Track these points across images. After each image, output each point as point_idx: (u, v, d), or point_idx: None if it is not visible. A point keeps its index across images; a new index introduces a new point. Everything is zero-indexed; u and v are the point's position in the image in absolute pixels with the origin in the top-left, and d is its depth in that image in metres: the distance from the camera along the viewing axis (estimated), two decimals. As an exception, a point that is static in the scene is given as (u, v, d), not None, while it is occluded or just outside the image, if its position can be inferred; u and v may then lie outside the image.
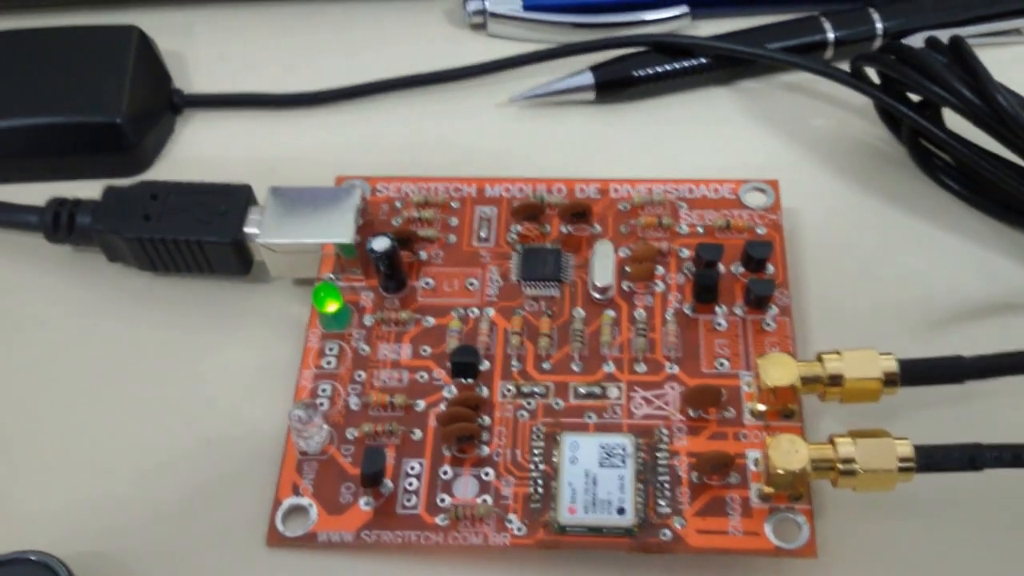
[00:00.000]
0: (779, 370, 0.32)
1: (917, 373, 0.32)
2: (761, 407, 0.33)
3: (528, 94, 0.42)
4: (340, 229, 0.35)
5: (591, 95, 0.42)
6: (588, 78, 0.42)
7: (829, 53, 0.43)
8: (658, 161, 0.40)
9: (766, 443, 0.31)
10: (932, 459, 0.30)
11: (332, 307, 0.35)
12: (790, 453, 0.30)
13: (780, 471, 0.30)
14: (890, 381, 0.32)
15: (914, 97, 0.39)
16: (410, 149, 0.41)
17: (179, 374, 0.36)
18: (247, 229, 0.36)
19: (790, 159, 0.40)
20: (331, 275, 0.36)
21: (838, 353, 0.32)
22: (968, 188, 0.39)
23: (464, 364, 0.34)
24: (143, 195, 0.36)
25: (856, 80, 0.40)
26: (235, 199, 0.36)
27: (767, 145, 0.41)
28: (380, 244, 0.35)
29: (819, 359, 0.32)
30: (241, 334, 0.36)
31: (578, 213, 0.36)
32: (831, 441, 0.30)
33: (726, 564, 0.31)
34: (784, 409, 0.33)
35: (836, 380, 0.32)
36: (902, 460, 0.30)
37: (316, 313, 0.35)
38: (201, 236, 0.36)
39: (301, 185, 0.37)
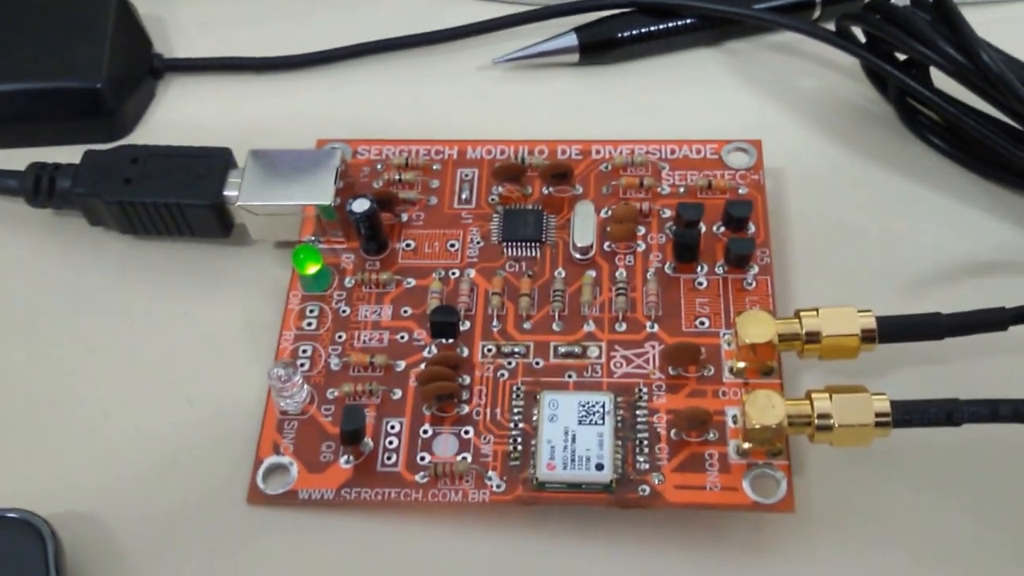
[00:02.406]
0: (757, 327, 0.32)
1: (895, 330, 0.32)
2: (740, 364, 0.33)
3: (511, 56, 0.42)
4: (320, 191, 0.35)
5: (575, 57, 0.42)
6: (572, 40, 0.41)
7: (816, 13, 0.42)
8: (643, 123, 0.40)
9: (744, 397, 0.31)
10: (909, 414, 0.30)
11: (312, 269, 0.35)
12: (767, 408, 0.30)
13: (757, 426, 0.30)
14: (868, 338, 0.32)
15: (900, 56, 0.38)
16: (391, 112, 0.41)
17: (160, 336, 0.36)
18: (227, 192, 0.36)
19: (776, 120, 0.40)
20: (312, 237, 0.36)
21: (816, 310, 0.32)
22: (955, 146, 0.39)
23: (444, 324, 0.34)
24: (123, 159, 0.37)
25: (842, 40, 0.40)
26: (215, 162, 0.36)
27: (753, 106, 0.41)
28: (360, 206, 0.35)
29: (797, 316, 0.32)
30: (222, 296, 0.36)
31: (559, 174, 0.36)
32: (808, 396, 0.30)
33: (704, 519, 0.31)
34: (763, 366, 0.33)
35: (814, 337, 0.32)
36: (879, 415, 0.30)
37: (297, 275, 0.35)
38: (181, 199, 0.36)
39: (281, 148, 0.37)
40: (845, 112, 0.40)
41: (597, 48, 0.42)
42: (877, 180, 0.39)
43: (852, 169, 0.39)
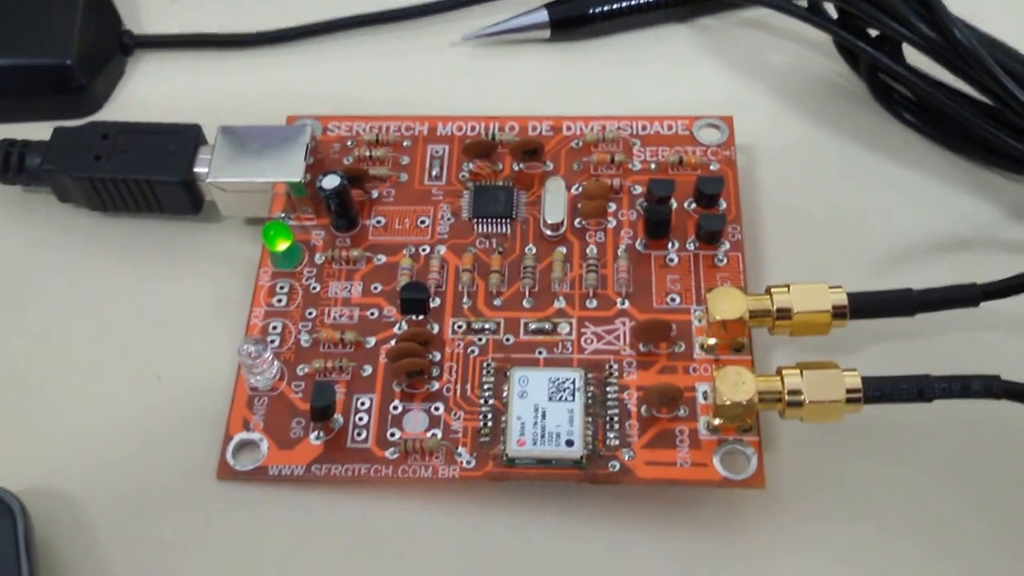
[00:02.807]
0: (728, 303, 0.32)
1: (866, 306, 0.32)
2: (711, 341, 0.33)
3: (482, 32, 0.42)
4: (290, 168, 0.35)
5: (546, 33, 0.42)
6: (543, 16, 0.41)
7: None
8: (614, 99, 0.40)
9: (715, 374, 0.31)
10: (880, 390, 0.30)
11: (283, 245, 0.34)
12: (737, 384, 0.30)
13: (727, 402, 0.30)
14: (839, 314, 0.32)
15: (872, 32, 0.38)
16: (362, 89, 0.41)
17: (130, 313, 0.36)
18: (196, 168, 0.36)
19: (748, 96, 0.40)
20: (282, 214, 0.36)
21: (787, 287, 0.32)
22: (927, 122, 0.39)
23: (413, 300, 0.33)
24: (93, 135, 0.36)
25: (814, 15, 0.39)
26: (185, 139, 0.36)
27: (725, 82, 0.41)
28: (330, 182, 0.34)
29: (768, 292, 0.32)
30: (192, 273, 0.36)
31: (530, 151, 0.36)
32: (779, 372, 0.31)
33: (674, 495, 0.31)
34: (734, 343, 0.33)
35: (785, 313, 0.32)
36: (850, 391, 0.30)
37: (267, 252, 0.35)
38: (150, 175, 0.35)
39: (251, 125, 0.37)
40: (817, 88, 0.40)
41: (568, 24, 0.42)
42: (849, 156, 0.39)
43: (824, 145, 0.39)
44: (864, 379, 0.30)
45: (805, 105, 0.40)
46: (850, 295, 0.32)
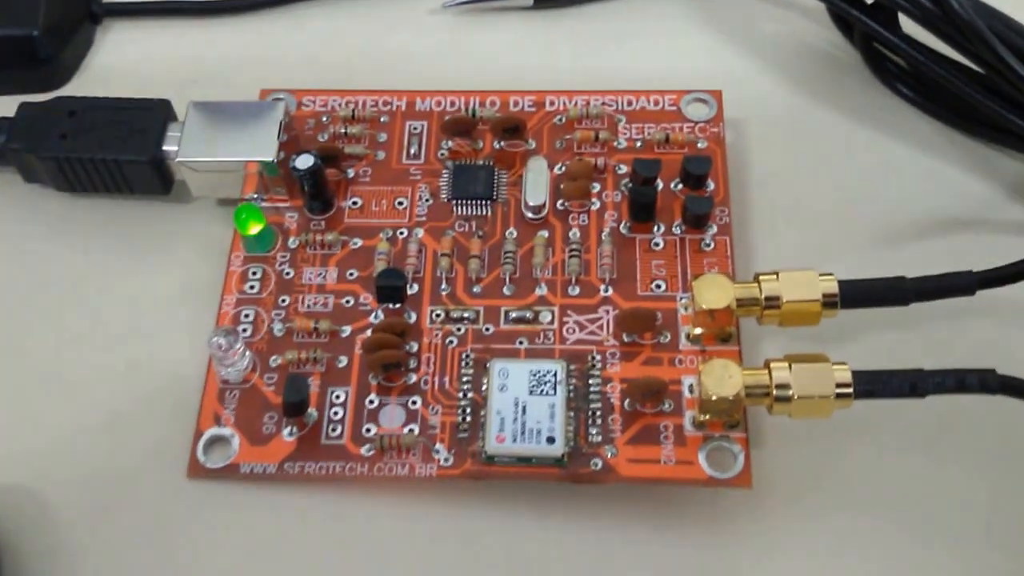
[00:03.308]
0: (714, 291, 0.31)
1: (858, 295, 0.31)
2: (697, 331, 0.32)
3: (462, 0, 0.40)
4: (262, 146, 0.34)
5: (529, 0, 0.40)
6: (525, -20, 0.40)
7: (781, -46, 0.41)
8: (599, 71, 0.39)
9: (700, 368, 0.30)
10: (871, 385, 0.29)
11: (255, 229, 0.33)
12: (723, 379, 0.29)
13: (713, 397, 0.29)
14: (830, 303, 0.30)
15: (867, 0, 0.37)
16: (338, 60, 0.39)
17: (98, 298, 0.34)
18: (166, 147, 0.34)
19: (737, 66, 0.39)
20: (254, 195, 0.35)
21: (776, 274, 0.31)
22: (923, 95, 0.37)
23: (389, 288, 0.32)
24: (59, 112, 0.35)
25: (807, -19, 0.38)
26: (154, 115, 0.35)
27: (713, 51, 0.39)
28: (304, 162, 0.33)
29: (756, 280, 0.31)
30: (162, 256, 0.35)
31: (511, 128, 0.35)
32: (766, 366, 0.30)
33: (658, 494, 0.31)
34: (721, 332, 0.32)
35: (773, 302, 0.31)
36: (840, 386, 0.29)
37: (239, 235, 0.34)
38: (118, 155, 0.34)
39: (224, 98, 0.35)
40: (809, 58, 0.39)
41: (551, -11, 0.40)
42: (842, 130, 0.37)
43: (816, 119, 0.38)
44: (855, 373, 0.29)
45: (796, 76, 0.39)
46: (841, 284, 0.31)
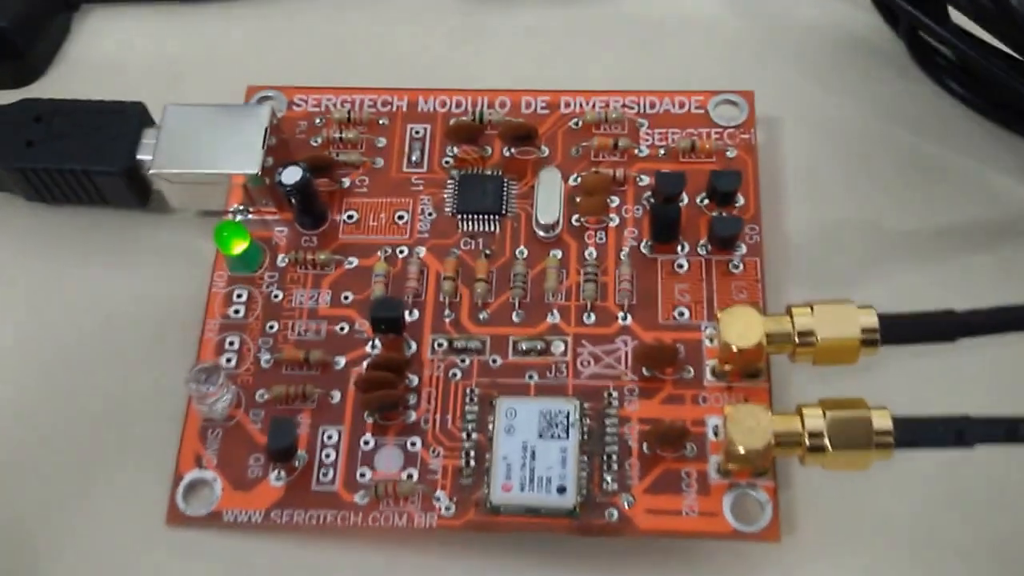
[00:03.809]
0: (743, 327, 0.28)
1: (901, 331, 0.28)
2: (725, 367, 0.29)
3: (472, -16, 0.37)
4: (246, 157, 0.31)
5: (543, -16, 0.37)
6: (540, -36, 0.37)
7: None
8: (618, 65, 0.36)
9: (725, 413, 0.27)
10: (914, 434, 0.26)
11: (239, 248, 0.30)
12: (752, 429, 0.27)
13: (741, 450, 0.27)
14: (869, 341, 0.28)
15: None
16: (334, 53, 0.36)
17: (69, 320, 0.32)
18: (140, 156, 0.31)
19: (770, 56, 0.36)
20: (239, 206, 0.32)
21: (810, 307, 0.28)
22: (976, 93, 0.34)
23: (385, 319, 0.30)
24: (25, 117, 0.32)
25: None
26: (127, 120, 0.32)
27: (744, 37, 0.36)
28: (291, 176, 0.30)
29: (788, 313, 0.28)
30: (140, 273, 0.32)
31: (522, 136, 0.32)
32: (798, 412, 0.27)
33: (679, 547, 0.28)
34: (749, 368, 0.29)
35: (808, 338, 0.28)
36: (879, 434, 0.26)
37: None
38: (89, 165, 0.31)
39: (209, 93, 0.33)
40: (848, 48, 0.36)
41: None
42: (883, 130, 0.34)
43: (855, 118, 0.34)
44: (896, 421, 0.26)
45: (834, 69, 0.35)
46: (883, 319, 0.28)
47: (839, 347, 0.28)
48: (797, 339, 0.28)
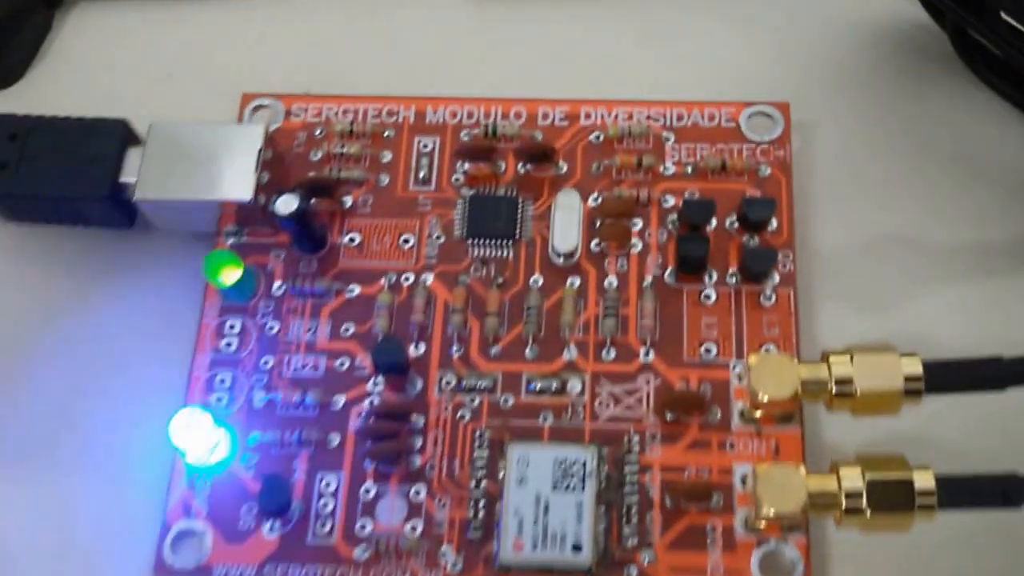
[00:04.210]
0: (776, 378, 0.26)
1: (946, 380, 0.26)
2: (756, 413, 0.27)
3: (485, -19, 0.34)
4: (238, 182, 0.29)
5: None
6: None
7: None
8: (642, 72, 0.33)
9: (755, 473, 0.25)
10: (958, 494, 0.24)
11: (231, 278, 0.28)
12: (784, 490, 0.25)
13: (771, 513, 0.24)
14: (913, 391, 0.25)
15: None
16: (336, 56, 0.34)
17: (48, 351, 0.30)
18: (124, 179, 0.29)
19: (805, 53, 0.33)
20: (232, 227, 0.30)
21: (849, 355, 0.25)
22: (1021, 90, 0.32)
23: (388, 364, 0.27)
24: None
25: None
26: (109, 139, 0.29)
27: (778, 35, 0.34)
28: (286, 206, 0.28)
29: (825, 360, 0.26)
30: (126, 297, 0.31)
31: (538, 155, 0.30)
32: (834, 470, 0.25)
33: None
34: (781, 414, 0.27)
35: (846, 388, 0.25)
36: (920, 494, 0.24)
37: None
38: (69, 191, 0.29)
39: (200, 100, 0.32)
40: (889, 42, 0.33)
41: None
42: (925, 133, 0.32)
43: (895, 121, 0.32)
44: (939, 480, 0.24)
45: (875, 72, 0.33)
46: (927, 367, 0.25)
47: (880, 398, 0.26)
48: (834, 389, 0.25)
